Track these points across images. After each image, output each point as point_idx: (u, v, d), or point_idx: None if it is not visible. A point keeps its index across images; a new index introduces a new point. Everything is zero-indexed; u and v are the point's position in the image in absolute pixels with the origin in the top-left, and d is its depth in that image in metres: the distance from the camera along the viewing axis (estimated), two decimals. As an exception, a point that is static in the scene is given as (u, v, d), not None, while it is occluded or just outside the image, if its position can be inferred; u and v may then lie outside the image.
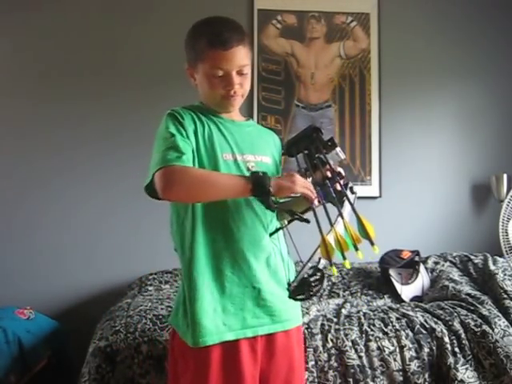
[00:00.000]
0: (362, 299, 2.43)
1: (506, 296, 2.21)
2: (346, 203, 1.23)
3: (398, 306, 2.26)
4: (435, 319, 2.03)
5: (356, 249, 1.12)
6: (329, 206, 1.20)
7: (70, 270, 2.84)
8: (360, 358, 1.88)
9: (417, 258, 2.60)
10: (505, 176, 3.00)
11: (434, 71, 3.14)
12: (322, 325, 1.98)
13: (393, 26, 3.11)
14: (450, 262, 2.66)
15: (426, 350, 1.91)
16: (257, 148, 1.40)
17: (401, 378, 1.86)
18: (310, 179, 1.27)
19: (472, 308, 2.11)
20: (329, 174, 1.25)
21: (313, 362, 1.85)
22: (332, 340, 1.91)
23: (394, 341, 1.92)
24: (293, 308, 1.40)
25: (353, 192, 1.28)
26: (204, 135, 1.32)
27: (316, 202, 1.23)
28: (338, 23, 3.09)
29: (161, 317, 1.94)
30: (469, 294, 2.24)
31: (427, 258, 2.72)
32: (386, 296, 2.46)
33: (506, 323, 2.03)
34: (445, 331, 1.96)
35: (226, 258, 1.30)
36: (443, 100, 3.16)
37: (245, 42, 1.32)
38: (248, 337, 1.30)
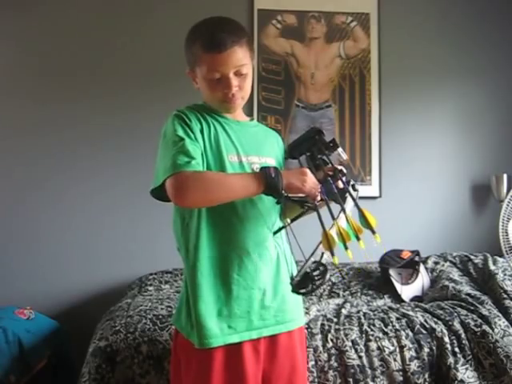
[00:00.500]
0: (362, 299, 2.43)
1: (506, 296, 2.21)
2: (349, 199, 1.26)
3: (398, 305, 2.26)
4: (435, 319, 2.03)
5: (358, 239, 1.15)
6: (331, 203, 1.23)
7: (69, 270, 2.84)
8: (360, 358, 1.87)
9: (417, 258, 2.59)
10: (505, 176, 3.00)
11: (434, 71, 3.14)
12: (322, 325, 1.98)
13: (393, 26, 3.11)
14: (450, 262, 2.67)
15: (426, 349, 1.91)
16: (261, 149, 1.40)
17: (401, 378, 1.86)
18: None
19: (472, 308, 2.11)
20: (330, 173, 1.28)
21: (313, 362, 1.85)
22: (332, 340, 1.90)
23: (394, 341, 1.92)
24: (296, 308, 1.40)
25: (355, 189, 1.30)
26: (210, 136, 1.32)
27: (318, 198, 1.26)
28: (338, 23, 3.09)
29: (161, 317, 1.93)
30: (469, 294, 2.24)
31: (427, 258, 2.73)
32: (385, 296, 2.46)
33: (506, 323, 2.03)
34: (445, 331, 1.96)
35: (232, 260, 1.29)
36: (443, 100, 3.16)
37: (241, 43, 1.30)
38: (252, 338, 1.30)
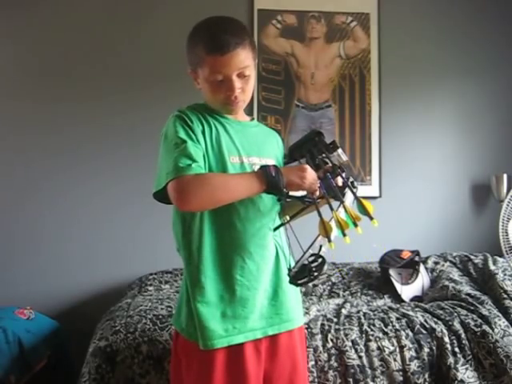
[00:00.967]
0: (362, 299, 2.43)
1: (506, 296, 2.21)
2: (347, 194, 1.28)
3: (398, 305, 2.26)
4: (435, 319, 2.03)
5: (355, 225, 1.17)
6: (331, 200, 1.24)
7: (70, 270, 2.84)
8: (360, 358, 1.88)
9: (417, 258, 2.60)
10: (505, 176, 3.00)
11: (434, 71, 3.14)
12: (322, 325, 1.99)
13: (393, 26, 3.10)
14: (450, 262, 2.67)
15: (426, 349, 1.91)
16: (262, 150, 1.40)
17: (401, 378, 1.87)
18: None
19: (472, 308, 2.11)
20: (329, 169, 1.30)
21: (313, 362, 1.85)
22: (332, 340, 1.91)
23: (394, 341, 1.92)
24: (296, 307, 1.40)
25: (354, 186, 1.31)
26: (212, 137, 1.31)
27: (317, 193, 1.27)
28: (338, 23, 3.09)
29: (161, 317, 1.94)
30: (469, 294, 2.24)
31: (427, 258, 2.73)
32: (385, 296, 2.46)
33: (506, 323, 2.03)
34: (445, 331, 1.96)
35: (234, 261, 1.29)
36: (443, 100, 3.16)
37: (244, 44, 1.30)
38: (257, 338, 1.30)
